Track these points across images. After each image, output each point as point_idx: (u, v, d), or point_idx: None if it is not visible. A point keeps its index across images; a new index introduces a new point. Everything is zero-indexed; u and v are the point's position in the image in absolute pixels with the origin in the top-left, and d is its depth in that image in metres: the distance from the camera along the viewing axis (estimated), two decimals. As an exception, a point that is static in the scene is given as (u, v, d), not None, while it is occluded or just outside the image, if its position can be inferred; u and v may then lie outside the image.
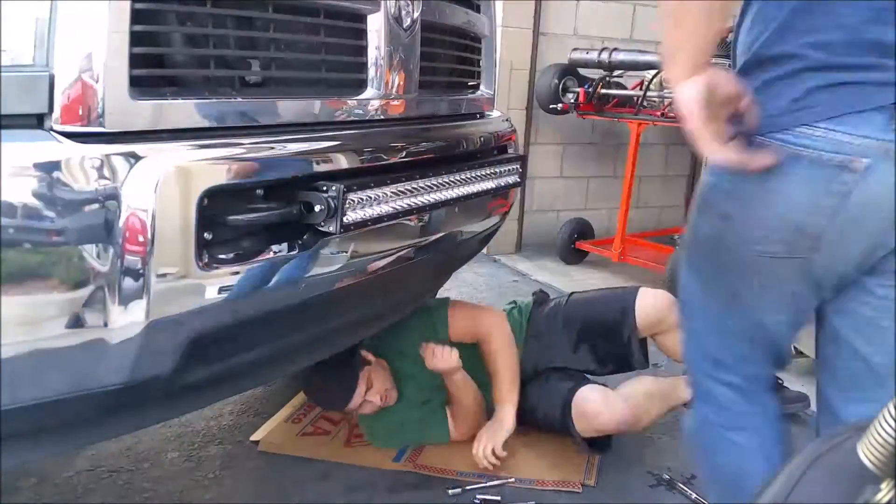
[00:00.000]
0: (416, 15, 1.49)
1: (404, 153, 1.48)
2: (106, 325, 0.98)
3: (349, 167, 1.32)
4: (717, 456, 1.26)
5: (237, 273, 1.12)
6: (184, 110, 1.09)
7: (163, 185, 0.99)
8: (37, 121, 0.95)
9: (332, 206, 1.19)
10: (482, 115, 1.98)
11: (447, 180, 1.52)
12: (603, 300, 2.29)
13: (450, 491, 1.91)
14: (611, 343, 2.19)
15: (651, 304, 2.18)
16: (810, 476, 0.65)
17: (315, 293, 1.31)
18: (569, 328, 2.23)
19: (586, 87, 3.92)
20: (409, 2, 1.46)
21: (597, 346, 2.21)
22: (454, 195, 1.55)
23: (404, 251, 1.54)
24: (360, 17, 1.39)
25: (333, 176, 1.24)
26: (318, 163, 1.25)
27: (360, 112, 1.43)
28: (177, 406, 1.36)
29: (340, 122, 1.39)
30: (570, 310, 2.27)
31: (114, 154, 0.96)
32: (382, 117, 1.49)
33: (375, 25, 1.40)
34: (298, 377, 2.46)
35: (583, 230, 4.23)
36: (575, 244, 4.17)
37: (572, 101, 3.93)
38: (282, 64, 1.28)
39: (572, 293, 2.39)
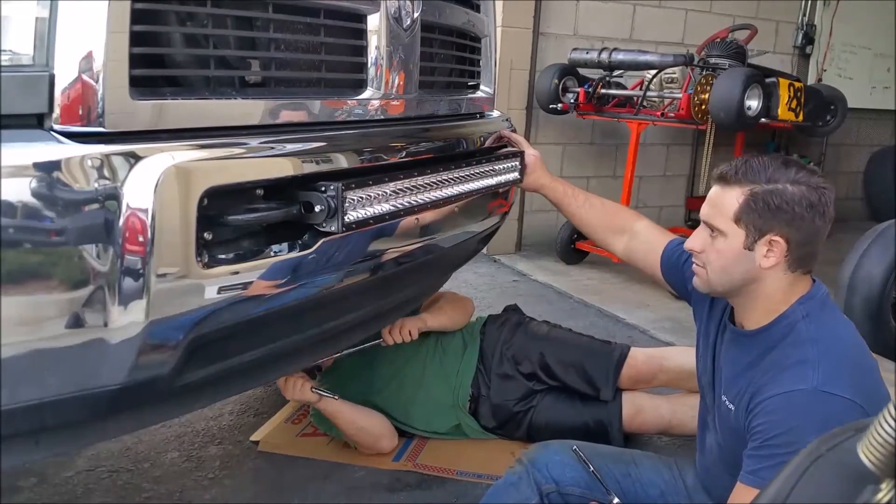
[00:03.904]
0: (415, 15, 1.48)
1: (404, 153, 1.48)
2: (106, 325, 0.97)
3: (349, 167, 1.32)
4: None
5: (237, 273, 1.12)
6: (184, 110, 1.09)
7: (163, 185, 0.99)
8: (37, 121, 0.95)
9: (333, 205, 1.19)
10: (482, 115, 1.97)
11: (447, 180, 1.52)
12: (587, 353, 2.20)
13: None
14: (588, 393, 2.17)
15: (643, 366, 2.15)
16: (810, 476, 0.65)
17: (315, 293, 1.31)
18: (544, 366, 2.18)
19: (586, 87, 3.92)
20: (409, 2, 1.46)
21: (572, 387, 2.18)
22: (454, 195, 1.55)
23: (404, 251, 1.54)
24: (360, 17, 1.39)
25: (333, 176, 1.24)
26: (318, 163, 1.25)
27: (360, 112, 1.43)
28: (177, 406, 1.36)
29: (340, 122, 1.39)
30: (549, 347, 2.20)
31: (114, 154, 0.96)
32: (382, 117, 1.49)
33: (375, 25, 1.40)
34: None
35: (582, 230, 4.23)
36: (575, 244, 4.17)
37: (572, 101, 3.93)
38: (281, 64, 1.28)
39: (553, 325, 2.36)
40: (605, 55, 3.73)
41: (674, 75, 3.78)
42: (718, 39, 4.03)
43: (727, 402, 1.32)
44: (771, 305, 1.31)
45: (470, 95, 1.93)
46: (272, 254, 1.18)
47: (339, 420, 2.02)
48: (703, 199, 4.68)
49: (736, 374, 1.32)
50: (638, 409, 2.11)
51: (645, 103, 3.78)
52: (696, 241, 1.34)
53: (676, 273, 1.59)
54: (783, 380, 1.21)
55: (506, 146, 1.91)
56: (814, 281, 1.34)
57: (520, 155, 1.83)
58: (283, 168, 1.20)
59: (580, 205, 1.81)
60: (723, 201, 1.29)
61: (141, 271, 0.98)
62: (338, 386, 2.08)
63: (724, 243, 1.29)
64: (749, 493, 1.20)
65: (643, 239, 1.70)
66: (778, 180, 1.25)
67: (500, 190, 1.84)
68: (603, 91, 3.91)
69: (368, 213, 1.28)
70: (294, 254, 1.21)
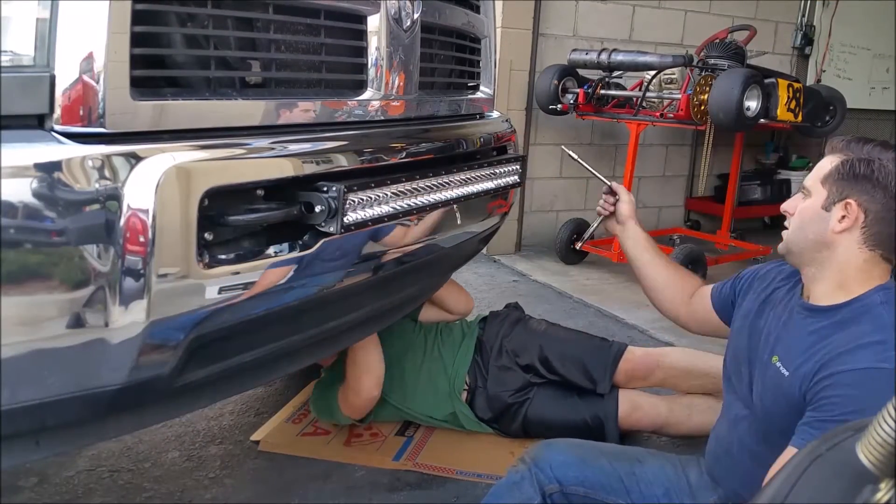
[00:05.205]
0: (415, 16, 1.49)
1: (404, 154, 1.48)
2: (107, 325, 0.98)
3: (349, 168, 1.32)
4: None
5: (238, 273, 1.12)
6: (184, 111, 1.09)
7: (163, 185, 0.99)
8: (38, 121, 0.95)
9: (333, 206, 1.20)
10: (482, 116, 1.98)
11: (447, 181, 1.52)
12: (586, 348, 2.23)
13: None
14: (586, 388, 2.18)
15: (640, 360, 2.17)
16: (810, 475, 0.65)
17: (315, 293, 1.32)
18: (543, 359, 2.20)
19: (586, 87, 3.92)
20: (409, 3, 1.46)
21: (570, 380, 2.19)
22: (454, 195, 1.55)
23: (404, 252, 1.54)
24: (360, 18, 1.39)
25: (334, 176, 1.25)
26: (318, 163, 1.25)
27: (360, 113, 1.43)
28: (177, 406, 1.36)
29: (340, 123, 1.39)
30: (548, 342, 2.23)
31: (114, 154, 0.97)
32: (382, 118, 1.49)
33: (375, 26, 1.40)
34: (298, 377, 2.47)
35: (582, 230, 4.23)
36: (574, 244, 4.17)
37: (572, 101, 3.93)
38: (282, 65, 1.29)
39: (551, 324, 2.38)
40: (604, 56, 3.73)
41: (673, 76, 3.78)
42: (717, 40, 4.04)
43: (780, 367, 1.32)
44: (842, 279, 1.30)
45: (470, 96, 1.94)
46: (272, 254, 1.18)
47: (365, 348, 2.02)
48: (702, 199, 4.71)
49: (798, 340, 1.31)
50: (635, 406, 2.12)
51: (644, 104, 3.78)
52: (790, 203, 1.39)
53: (726, 299, 1.63)
54: (863, 355, 1.21)
55: (506, 148, 1.92)
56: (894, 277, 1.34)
57: (521, 159, 1.84)
58: (283, 169, 1.20)
59: (657, 262, 1.79)
60: (821, 165, 1.34)
61: (142, 271, 0.98)
62: (340, 371, 2.09)
63: (808, 202, 1.33)
64: None
65: (700, 295, 1.72)
66: (875, 155, 1.28)
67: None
68: (602, 92, 3.91)
69: (368, 215, 1.28)
70: (294, 254, 1.21)
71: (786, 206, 1.40)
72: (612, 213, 1.82)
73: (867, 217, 1.27)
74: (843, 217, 1.28)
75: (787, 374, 1.30)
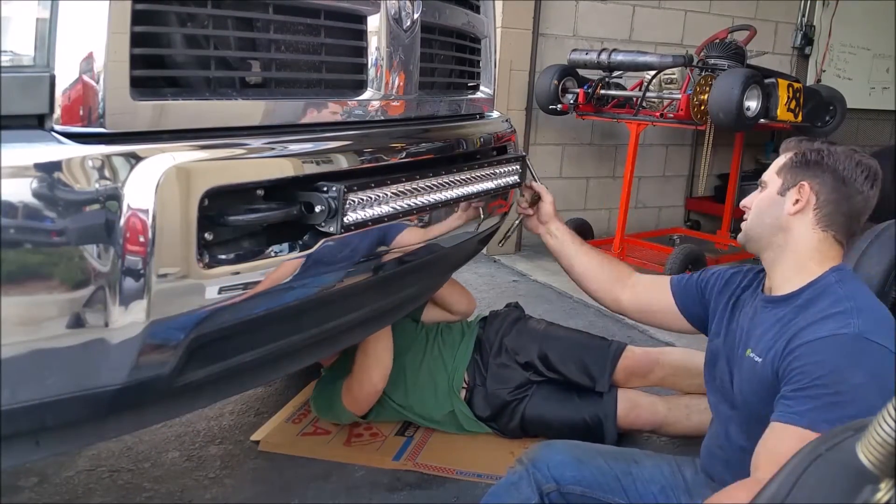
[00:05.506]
0: (415, 16, 1.49)
1: (404, 154, 1.48)
2: (107, 325, 0.98)
3: (349, 168, 1.32)
4: None
5: (238, 273, 1.12)
6: (184, 111, 1.09)
7: (163, 185, 0.99)
8: (37, 121, 0.95)
9: (333, 206, 1.20)
10: (482, 116, 1.98)
11: (447, 181, 1.52)
12: (585, 346, 2.24)
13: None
14: (585, 387, 2.19)
15: (639, 359, 2.19)
16: (810, 475, 0.65)
17: (315, 293, 1.32)
18: (543, 356, 2.21)
19: (586, 87, 3.92)
20: (409, 3, 1.46)
21: (569, 378, 2.20)
22: (454, 195, 1.55)
23: (403, 252, 1.54)
24: (360, 18, 1.39)
25: (334, 176, 1.25)
26: (318, 163, 1.25)
27: (360, 113, 1.43)
28: (177, 406, 1.36)
29: (340, 123, 1.39)
30: (548, 340, 2.24)
31: (114, 154, 0.96)
32: (382, 118, 1.49)
33: (375, 26, 1.40)
34: (298, 377, 2.47)
35: (582, 230, 4.23)
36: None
37: (572, 101, 3.93)
38: (282, 65, 1.29)
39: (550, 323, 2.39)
40: (604, 56, 3.73)
41: (673, 76, 3.79)
42: (717, 40, 4.04)
43: (754, 356, 1.37)
44: (798, 261, 1.38)
45: (470, 96, 1.94)
46: (272, 254, 1.18)
47: (377, 339, 2.03)
48: (702, 199, 4.71)
49: (766, 330, 1.38)
50: (633, 405, 2.12)
51: (644, 104, 3.78)
52: (748, 198, 1.49)
53: (690, 292, 1.67)
54: (825, 325, 1.27)
55: (506, 148, 1.92)
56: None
57: (521, 159, 1.84)
58: (283, 169, 1.20)
59: (586, 251, 1.89)
60: (776, 161, 1.45)
61: (142, 271, 0.98)
62: (344, 369, 2.09)
63: (764, 192, 1.44)
64: (791, 433, 1.21)
65: (646, 282, 1.78)
66: (825, 146, 1.39)
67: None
68: (602, 92, 3.91)
69: (368, 215, 1.28)
70: (294, 254, 1.21)
71: (744, 202, 1.49)
72: (533, 214, 1.92)
73: (819, 199, 1.36)
74: (797, 200, 1.37)
75: (759, 360, 1.36)
